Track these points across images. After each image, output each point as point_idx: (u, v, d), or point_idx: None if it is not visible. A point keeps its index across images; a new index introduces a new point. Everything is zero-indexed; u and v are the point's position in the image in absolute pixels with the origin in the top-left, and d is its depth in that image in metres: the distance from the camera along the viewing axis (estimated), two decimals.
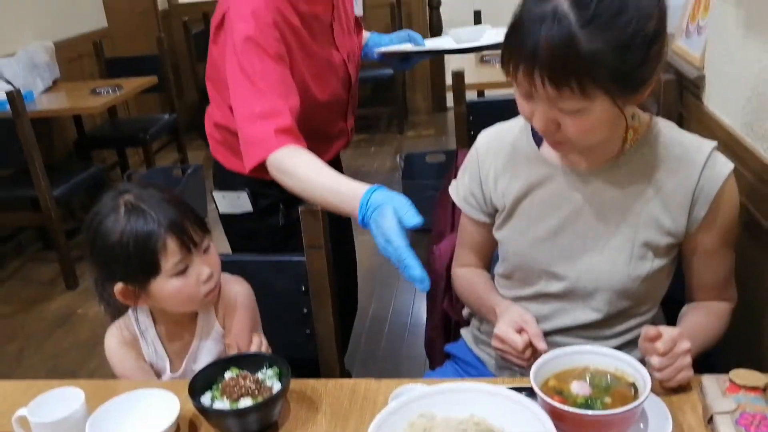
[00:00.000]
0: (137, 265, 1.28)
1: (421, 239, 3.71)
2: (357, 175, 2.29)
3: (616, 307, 1.28)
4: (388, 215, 1.22)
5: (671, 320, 1.35)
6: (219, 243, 1.91)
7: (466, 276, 1.49)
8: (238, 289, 1.46)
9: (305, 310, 1.59)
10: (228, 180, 1.86)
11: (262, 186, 1.74)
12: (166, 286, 1.29)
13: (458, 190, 1.45)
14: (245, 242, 1.93)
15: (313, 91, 1.73)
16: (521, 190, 1.32)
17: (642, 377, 1.03)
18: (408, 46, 2.07)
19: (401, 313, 3.15)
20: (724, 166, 1.23)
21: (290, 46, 1.63)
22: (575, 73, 1.04)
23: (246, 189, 1.81)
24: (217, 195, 1.87)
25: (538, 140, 1.32)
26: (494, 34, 2.20)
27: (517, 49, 1.07)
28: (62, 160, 4.38)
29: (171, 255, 1.28)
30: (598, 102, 1.07)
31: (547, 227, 1.30)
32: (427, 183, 3.72)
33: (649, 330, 1.12)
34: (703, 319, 1.30)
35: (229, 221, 1.91)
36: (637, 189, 1.24)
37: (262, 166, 1.52)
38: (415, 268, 1.16)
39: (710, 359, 1.29)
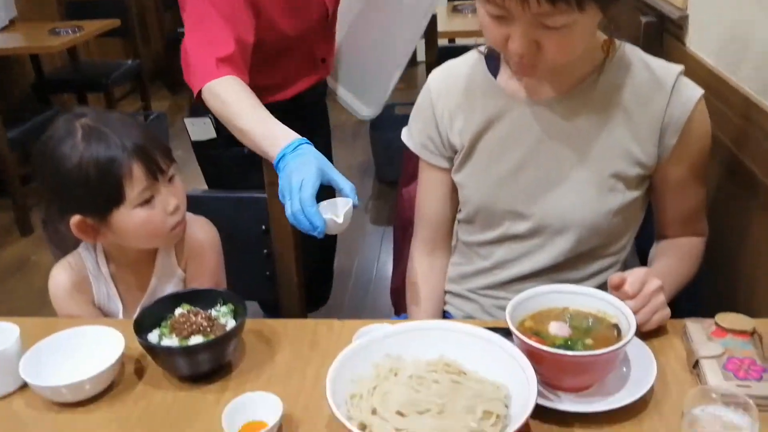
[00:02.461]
0: (99, 194, 1.17)
1: (389, 191, 3.66)
2: None
3: (586, 245, 1.22)
4: (313, 163, 1.17)
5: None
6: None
7: (411, 276, 1.42)
8: (205, 231, 1.36)
9: (266, 251, 1.50)
10: (196, 105, 1.80)
11: None
12: (131, 217, 1.19)
13: (412, 135, 1.35)
14: (214, 169, 1.92)
15: (281, 27, 1.67)
16: (479, 125, 1.24)
17: (626, 317, 0.95)
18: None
19: (366, 270, 3.07)
20: (693, 90, 1.17)
21: None
22: None
23: (209, 114, 1.75)
24: (188, 122, 1.84)
25: (493, 71, 1.24)
26: None
27: None
28: (19, 103, 4.19)
29: (136, 182, 1.17)
30: (588, 14, 1.00)
31: (509, 164, 1.22)
32: (395, 135, 3.62)
33: (612, 278, 1.05)
34: (675, 260, 1.25)
35: (198, 149, 1.89)
36: (603, 117, 1.17)
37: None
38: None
39: (691, 301, 1.25)
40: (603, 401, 0.93)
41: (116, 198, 1.17)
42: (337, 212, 1.16)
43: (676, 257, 1.25)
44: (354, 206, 1.15)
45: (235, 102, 1.38)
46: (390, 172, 3.71)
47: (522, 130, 1.21)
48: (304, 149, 1.21)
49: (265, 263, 1.52)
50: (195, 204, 1.38)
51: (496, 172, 1.23)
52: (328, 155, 2.14)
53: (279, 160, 1.22)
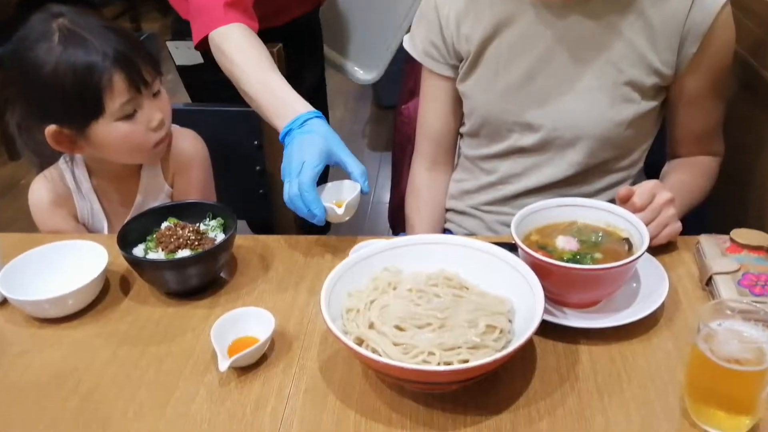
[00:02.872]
0: (76, 104, 1.09)
1: (387, 116, 3.57)
2: None
3: (597, 157, 1.16)
4: (318, 143, 1.06)
5: None
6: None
7: (411, 188, 1.36)
8: (192, 144, 1.30)
9: (258, 168, 1.44)
10: (181, 28, 1.66)
11: None
12: (111, 131, 1.12)
13: (415, 42, 1.27)
14: (202, 96, 1.80)
15: None
16: (487, 31, 1.15)
17: (638, 230, 0.90)
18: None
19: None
20: None
21: None
22: None
23: None
24: (171, 45, 1.71)
25: None
26: None
27: None
28: (2, 22, 4.04)
29: (118, 94, 1.09)
30: None
31: (518, 72, 1.15)
32: (394, 57, 3.51)
33: (619, 191, 0.99)
34: (687, 176, 1.19)
35: (184, 73, 1.77)
36: (619, 22, 1.09)
37: (206, 42, 1.31)
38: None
39: (699, 218, 1.19)
40: (611, 317, 0.89)
41: (95, 110, 1.10)
42: (342, 197, 1.08)
43: (688, 173, 1.19)
44: (362, 192, 1.06)
45: (242, 61, 1.22)
46: (388, 96, 3.60)
47: (531, 37, 1.13)
48: (313, 125, 1.09)
49: (258, 180, 1.46)
50: (182, 118, 1.31)
51: (505, 80, 1.16)
52: (321, 78, 2.04)
53: (285, 135, 1.11)
